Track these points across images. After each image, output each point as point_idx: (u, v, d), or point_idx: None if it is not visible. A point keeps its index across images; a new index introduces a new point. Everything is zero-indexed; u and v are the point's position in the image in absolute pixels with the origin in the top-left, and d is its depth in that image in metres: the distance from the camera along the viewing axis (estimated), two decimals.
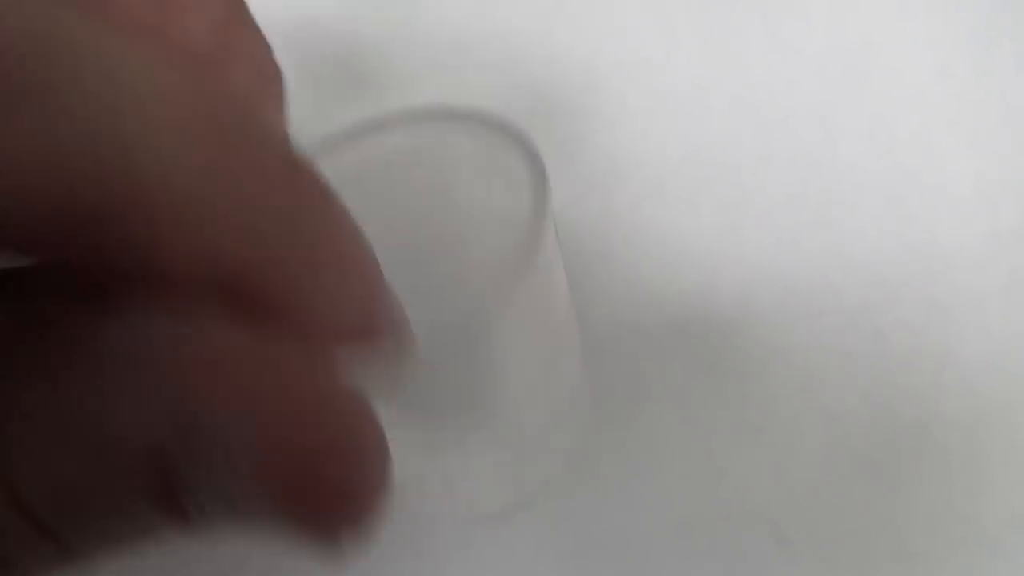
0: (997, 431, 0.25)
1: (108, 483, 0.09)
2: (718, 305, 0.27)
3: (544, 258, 0.14)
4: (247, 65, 0.13)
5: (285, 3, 0.31)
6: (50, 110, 0.07)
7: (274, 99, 0.14)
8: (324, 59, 0.31)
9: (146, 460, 0.09)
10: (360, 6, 0.32)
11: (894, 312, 0.26)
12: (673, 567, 0.23)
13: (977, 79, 0.30)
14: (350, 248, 0.10)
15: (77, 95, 0.08)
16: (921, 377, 0.25)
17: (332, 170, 0.10)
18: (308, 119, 0.29)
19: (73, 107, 0.08)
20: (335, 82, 0.31)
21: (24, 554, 0.09)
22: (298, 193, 0.09)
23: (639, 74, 0.30)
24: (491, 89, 0.30)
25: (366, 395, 0.09)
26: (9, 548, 0.09)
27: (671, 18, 0.31)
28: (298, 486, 0.08)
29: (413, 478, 0.13)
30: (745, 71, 0.30)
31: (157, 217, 0.08)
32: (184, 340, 0.08)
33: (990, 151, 0.29)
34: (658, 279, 0.27)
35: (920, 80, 0.30)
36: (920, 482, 0.24)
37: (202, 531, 0.09)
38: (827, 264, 0.27)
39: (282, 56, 0.15)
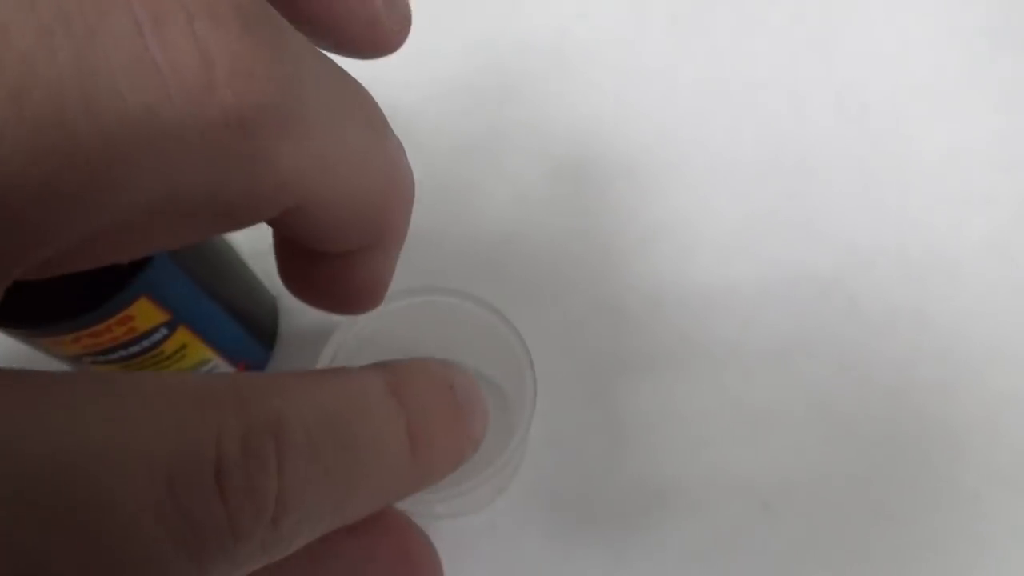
0: (970, 394, 0.25)
1: None
2: (693, 279, 0.27)
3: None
4: None
5: None
6: None
7: None
8: None
9: None
10: None
11: (867, 279, 0.26)
12: (660, 534, 0.23)
13: (941, 45, 0.30)
14: None
15: None
16: (895, 343, 0.26)
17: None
18: None
19: None
20: None
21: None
22: None
23: (609, 53, 0.30)
24: (461, 69, 0.30)
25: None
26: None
27: None
28: None
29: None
30: (712, 46, 0.30)
31: None
32: None
33: (957, 116, 0.29)
34: (632, 254, 0.27)
35: (885, 49, 0.30)
36: (897, 445, 0.24)
37: None
38: (800, 235, 0.27)
39: None
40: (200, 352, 0.20)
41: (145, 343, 0.18)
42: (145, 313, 0.17)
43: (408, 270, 0.26)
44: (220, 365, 0.22)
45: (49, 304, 0.16)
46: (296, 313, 0.26)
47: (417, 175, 0.28)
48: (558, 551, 0.23)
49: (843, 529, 0.23)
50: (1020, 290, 0.26)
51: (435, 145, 0.28)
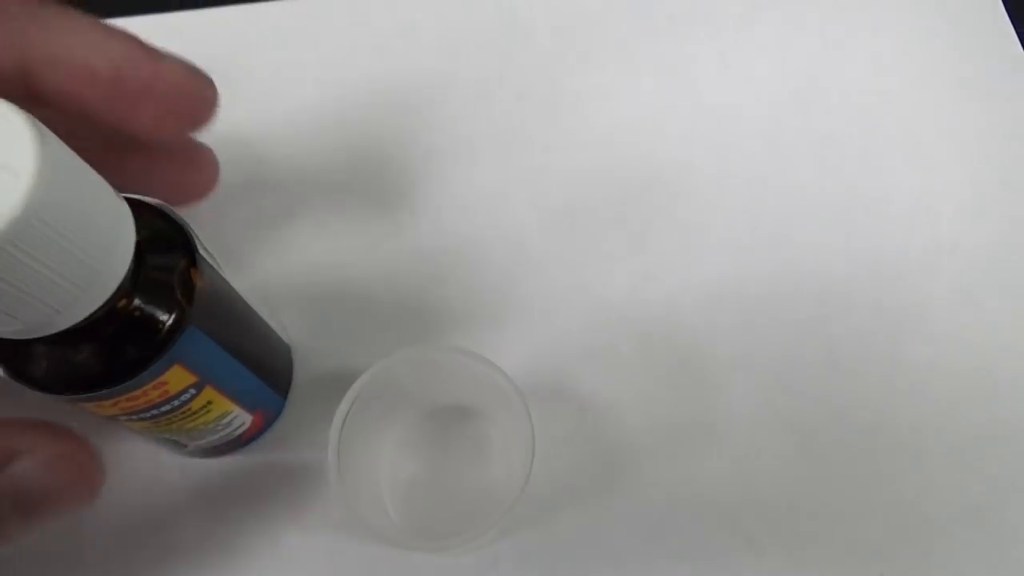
0: (943, 431, 0.27)
1: None
2: (681, 322, 0.28)
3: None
4: (166, 84, 0.19)
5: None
6: None
7: (205, 104, 0.20)
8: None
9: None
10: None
11: (844, 321, 0.28)
12: (647, 568, 0.25)
13: (916, 100, 0.32)
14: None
15: None
16: (871, 382, 0.27)
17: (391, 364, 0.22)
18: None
19: None
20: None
21: None
22: None
23: (599, 104, 0.32)
24: (464, 127, 0.31)
25: None
26: None
27: (629, 49, 0.33)
28: None
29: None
30: (698, 99, 0.32)
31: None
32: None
33: (929, 166, 0.31)
34: (623, 300, 0.29)
35: (863, 102, 0.32)
36: (873, 481, 0.26)
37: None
38: (781, 278, 0.29)
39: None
40: (223, 405, 0.22)
41: (176, 403, 0.20)
42: (177, 378, 0.19)
43: (411, 317, 0.28)
44: (240, 415, 0.23)
45: (94, 375, 0.17)
46: (310, 363, 0.27)
47: (416, 229, 0.29)
48: None
49: (824, 562, 0.25)
50: (987, 334, 0.28)
51: (435, 201, 0.30)
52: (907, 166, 0.31)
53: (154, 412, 0.20)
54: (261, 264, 0.29)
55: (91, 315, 0.16)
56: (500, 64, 0.33)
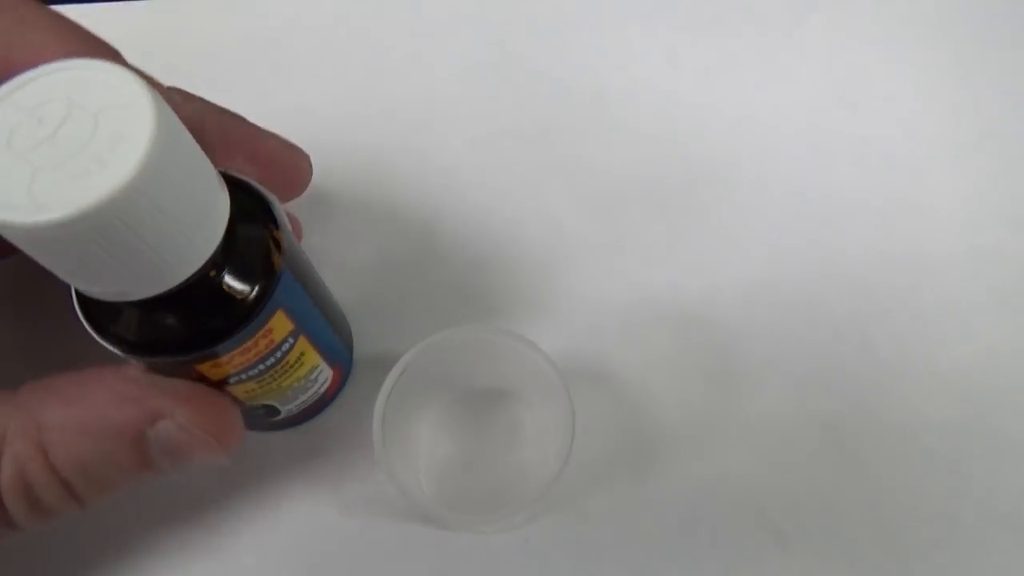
0: (979, 436, 0.27)
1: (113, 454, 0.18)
2: (718, 318, 0.28)
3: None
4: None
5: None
6: None
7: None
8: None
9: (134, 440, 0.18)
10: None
11: (882, 323, 0.28)
12: (678, 563, 0.25)
13: (960, 106, 0.32)
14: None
15: None
16: (907, 385, 0.27)
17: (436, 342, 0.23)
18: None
19: None
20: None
21: (55, 503, 0.18)
22: None
23: (643, 99, 0.32)
24: (510, 117, 0.32)
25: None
26: (48, 498, 0.18)
27: (675, 48, 0.33)
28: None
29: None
30: (744, 99, 0.32)
31: None
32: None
33: (972, 172, 0.31)
34: (662, 293, 0.29)
35: (907, 107, 0.32)
36: (907, 484, 0.26)
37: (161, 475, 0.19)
38: (820, 279, 0.29)
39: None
40: (312, 358, 0.23)
41: (278, 354, 0.20)
42: (280, 325, 0.20)
43: (456, 301, 0.28)
44: (324, 369, 0.24)
45: (219, 328, 0.18)
46: (363, 341, 0.28)
47: (460, 215, 0.30)
48: (586, 570, 0.25)
49: (853, 561, 0.25)
50: None
51: (479, 188, 0.31)
52: (949, 172, 0.31)
53: (260, 368, 0.20)
54: (305, 245, 0.29)
55: (202, 268, 0.16)
56: (546, 56, 0.33)
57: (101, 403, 0.18)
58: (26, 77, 0.14)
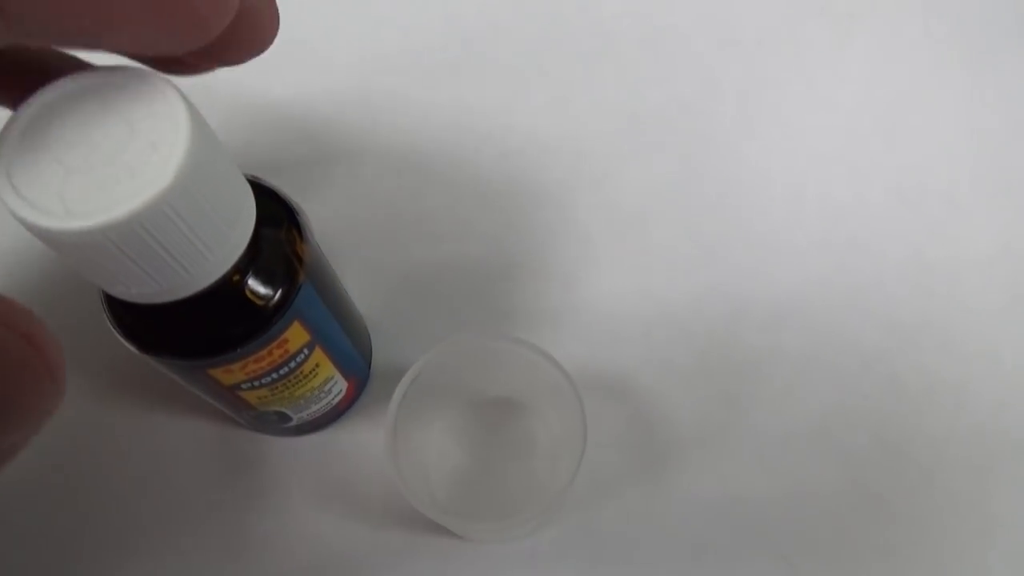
0: (1006, 476, 0.26)
1: None
2: (742, 342, 0.28)
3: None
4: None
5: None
6: None
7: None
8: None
9: None
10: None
11: (911, 356, 0.27)
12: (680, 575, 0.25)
13: (1005, 138, 0.31)
14: None
15: None
16: (934, 421, 0.27)
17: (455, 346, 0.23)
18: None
19: None
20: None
21: None
22: None
23: (678, 116, 0.32)
24: (541, 130, 0.32)
25: None
26: None
27: (712, 68, 0.33)
28: None
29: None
30: (779, 119, 0.32)
31: None
32: None
33: (1015, 208, 0.30)
34: (686, 310, 0.28)
35: (949, 138, 0.31)
36: (927, 522, 0.25)
37: None
38: (850, 306, 0.28)
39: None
40: (327, 370, 0.23)
41: (292, 364, 0.21)
42: (296, 335, 0.20)
43: (477, 309, 0.28)
44: (339, 381, 0.24)
45: (237, 334, 0.18)
46: (383, 348, 0.28)
47: (489, 226, 0.30)
48: None
49: None
50: None
51: (508, 197, 0.31)
52: (988, 205, 0.30)
53: (273, 376, 0.20)
54: (328, 246, 0.30)
55: (224, 275, 0.17)
56: (579, 71, 0.33)
57: None
58: (65, 81, 0.14)
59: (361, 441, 0.27)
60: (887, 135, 0.31)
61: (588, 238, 0.30)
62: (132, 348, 0.18)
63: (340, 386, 0.24)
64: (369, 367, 0.27)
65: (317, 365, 0.22)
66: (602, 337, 0.28)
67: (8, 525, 0.26)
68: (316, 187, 0.31)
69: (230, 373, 0.19)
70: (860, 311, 0.28)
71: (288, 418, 0.24)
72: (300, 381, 0.22)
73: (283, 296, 0.19)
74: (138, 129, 0.14)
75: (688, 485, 0.26)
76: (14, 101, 0.14)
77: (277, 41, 0.16)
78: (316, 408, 0.24)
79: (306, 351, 0.21)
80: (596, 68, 0.33)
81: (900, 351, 0.28)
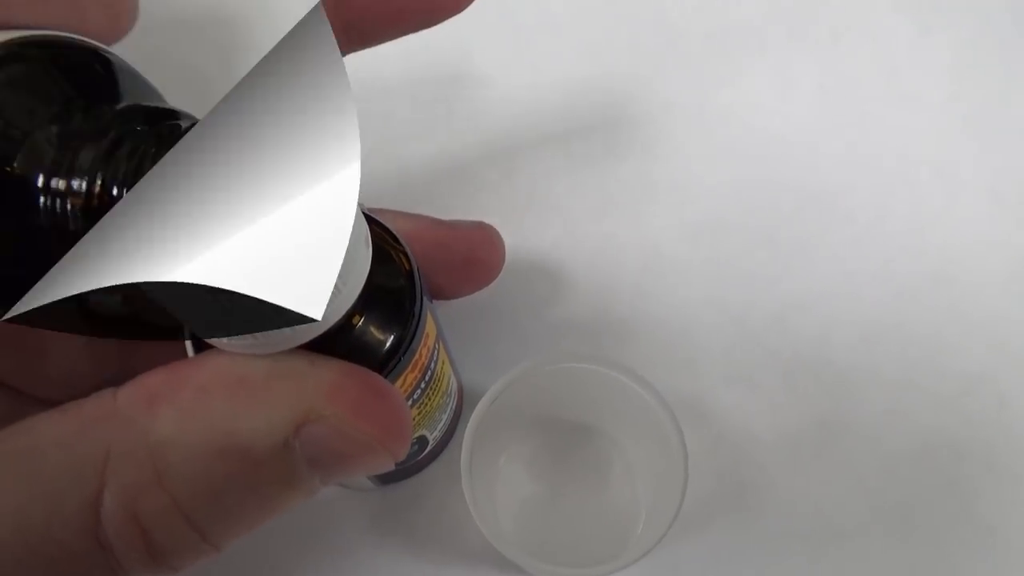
0: None
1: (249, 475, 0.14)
2: (830, 358, 0.26)
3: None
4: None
5: None
6: None
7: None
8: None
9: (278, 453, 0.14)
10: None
11: (1019, 379, 0.25)
12: None
13: None
14: None
15: None
16: None
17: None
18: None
19: None
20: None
21: (178, 546, 0.14)
22: None
23: (751, 117, 0.30)
24: (608, 132, 0.30)
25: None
26: (169, 541, 0.14)
27: (787, 63, 0.31)
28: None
29: None
30: (862, 121, 0.29)
31: None
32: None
33: None
34: (767, 324, 0.26)
35: None
36: None
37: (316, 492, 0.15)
38: (947, 323, 0.26)
39: None
40: (447, 367, 0.21)
41: (432, 365, 0.19)
42: (430, 327, 0.18)
43: (543, 327, 0.26)
44: (454, 382, 0.23)
45: (396, 340, 0.16)
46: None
47: (555, 232, 0.28)
48: None
49: None
50: None
51: (572, 203, 0.29)
52: None
53: (422, 386, 0.19)
54: None
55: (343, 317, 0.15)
56: (648, 69, 0.31)
57: (226, 408, 0.14)
58: None
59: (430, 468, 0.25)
60: (979, 133, 0.29)
61: (658, 246, 0.28)
62: None
63: (454, 385, 0.23)
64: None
65: (444, 362, 0.20)
66: (675, 353, 0.26)
67: None
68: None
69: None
70: (961, 327, 0.26)
71: (425, 442, 0.22)
72: (436, 385, 0.20)
73: (413, 290, 0.17)
74: None
75: (779, 521, 0.24)
76: None
77: None
78: (443, 420, 0.22)
79: (437, 347, 0.19)
80: (662, 67, 0.31)
81: (1009, 372, 0.25)
